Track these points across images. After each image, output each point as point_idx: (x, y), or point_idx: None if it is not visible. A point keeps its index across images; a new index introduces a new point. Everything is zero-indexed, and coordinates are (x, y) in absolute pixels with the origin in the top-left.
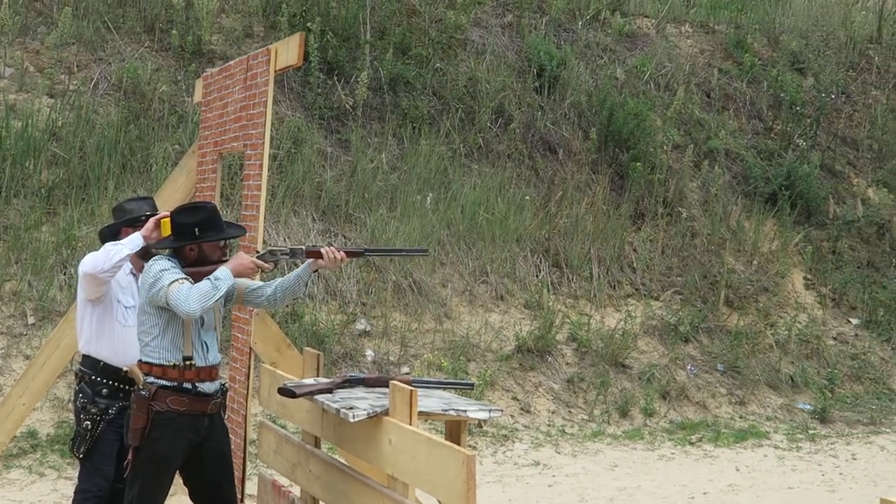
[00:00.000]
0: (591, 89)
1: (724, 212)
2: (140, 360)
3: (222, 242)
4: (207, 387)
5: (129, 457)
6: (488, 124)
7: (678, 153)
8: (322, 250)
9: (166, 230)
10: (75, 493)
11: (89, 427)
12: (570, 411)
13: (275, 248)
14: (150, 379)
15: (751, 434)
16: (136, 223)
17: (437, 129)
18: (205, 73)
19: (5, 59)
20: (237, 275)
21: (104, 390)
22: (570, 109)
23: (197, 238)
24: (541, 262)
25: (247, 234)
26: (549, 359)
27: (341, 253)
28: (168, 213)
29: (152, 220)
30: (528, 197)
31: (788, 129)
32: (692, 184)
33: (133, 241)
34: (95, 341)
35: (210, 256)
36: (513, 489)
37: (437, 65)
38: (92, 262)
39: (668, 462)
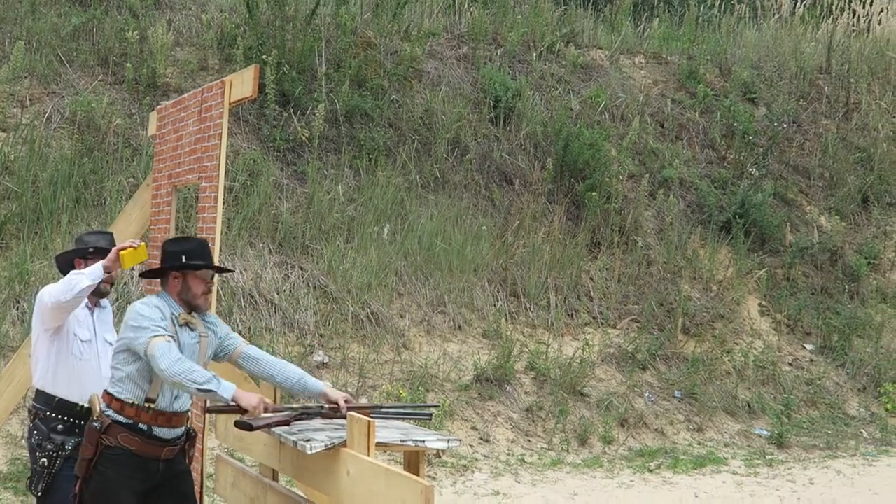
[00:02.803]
0: (546, 120)
1: (679, 240)
2: (105, 391)
3: (209, 277)
4: (164, 432)
5: (76, 488)
6: (444, 155)
7: (633, 182)
8: (342, 406)
9: (128, 262)
10: None
11: (46, 464)
12: (529, 440)
13: (298, 408)
14: (108, 412)
15: (709, 460)
16: (85, 255)
17: (393, 160)
18: (159, 106)
19: None
20: (237, 400)
21: (59, 426)
22: (526, 140)
23: (182, 266)
24: (498, 292)
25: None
26: (508, 388)
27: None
28: (132, 243)
29: (114, 250)
30: (484, 227)
31: (741, 157)
32: (647, 213)
33: (94, 273)
34: (52, 376)
35: (194, 289)
36: None
37: (393, 96)
38: (54, 291)
39: (628, 489)
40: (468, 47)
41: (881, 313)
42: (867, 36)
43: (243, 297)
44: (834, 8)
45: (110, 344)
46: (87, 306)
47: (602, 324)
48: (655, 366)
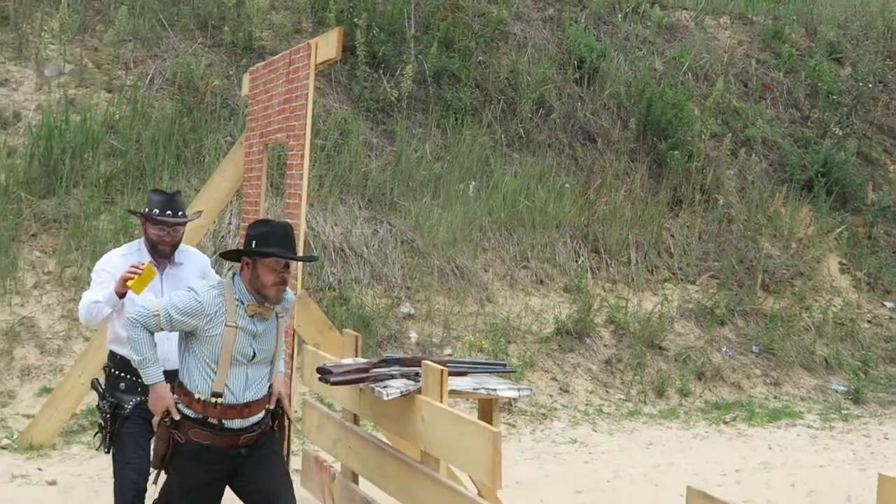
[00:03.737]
0: (630, 80)
1: (760, 198)
2: (177, 380)
3: (280, 266)
4: (237, 424)
5: (154, 480)
6: (529, 115)
7: (716, 142)
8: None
9: (138, 288)
10: (114, 488)
11: (103, 424)
12: (607, 391)
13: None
14: (178, 405)
15: (784, 414)
16: (145, 217)
17: (479, 119)
18: (252, 68)
19: (65, 56)
20: (150, 394)
21: (122, 384)
22: (610, 100)
23: (250, 252)
24: (580, 248)
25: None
26: (588, 341)
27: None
28: (134, 270)
29: (120, 278)
30: (567, 185)
31: (825, 117)
32: (729, 171)
33: (111, 299)
34: (115, 336)
35: (263, 278)
36: (549, 465)
37: (480, 58)
38: (82, 310)
39: (703, 440)
40: (554, 9)
41: None
42: None
43: (334, 251)
44: None
45: None
46: (155, 266)
47: (682, 280)
48: (734, 321)
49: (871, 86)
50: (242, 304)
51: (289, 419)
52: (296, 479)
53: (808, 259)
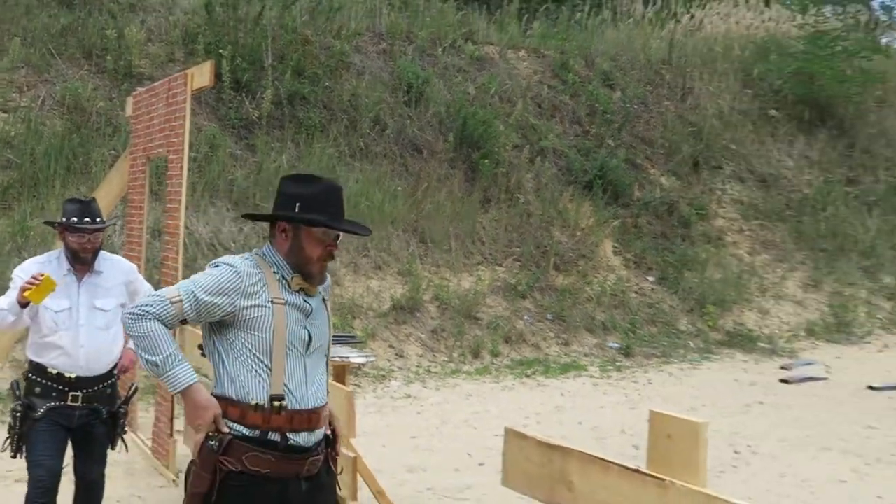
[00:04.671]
0: (448, 102)
1: (552, 197)
2: (216, 394)
3: (331, 237)
4: (304, 438)
5: None
6: (368, 131)
7: (517, 151)
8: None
9: (36, 298)
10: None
11: (16, 425)
12: (434, 355)
13: None
14: (227, 423)
15: (573, 367)
16: (64, 226)
17: (326, 135)
18: (134, 93)
19: None
20: (188, 401)
21: (37, 388)
22: (433, 118)
23: (293, 217)
24: (410, 239)
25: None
26: (418, 314)
27: None
28: (32, 281)
29: (20, 289)
30: (399, 188)
31: (601, 131)
32: (528, 175)
33: (13, 307)
34: (30, 344)
35: (308, 251)
36: (389, 417)
37: (327, 83)
38: None
39: (510, 391)
40: (386, 44)
41: (706, 252)
42: (700, 34)
43: (206, 247)
44: (675, 11)
45: (103, 311)
46: (72, 273)
47: (492, 263)
48: (533, 295)
49: (635, 106)
50: (286, 278)
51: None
52: (179, 439)
53: (589, 244)
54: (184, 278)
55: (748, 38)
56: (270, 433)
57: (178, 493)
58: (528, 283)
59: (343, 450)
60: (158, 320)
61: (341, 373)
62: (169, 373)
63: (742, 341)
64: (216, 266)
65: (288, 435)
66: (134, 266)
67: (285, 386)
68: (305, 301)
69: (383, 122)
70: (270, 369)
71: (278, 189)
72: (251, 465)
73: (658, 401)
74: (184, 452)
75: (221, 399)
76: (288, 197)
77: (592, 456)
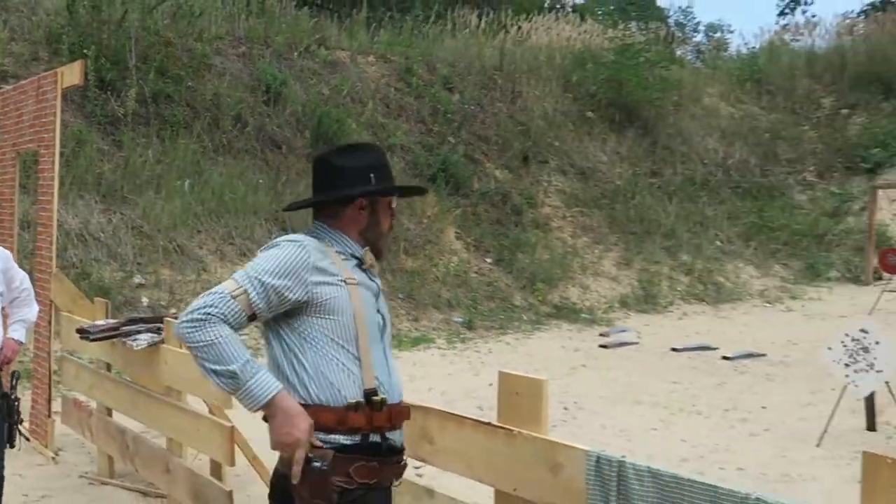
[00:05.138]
0: (305, 102)
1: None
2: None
3: (394, 205)
4: (398, 437)
5: None
6: (230, 128)
7: None
8: None
9: None
10: None
11: None
12: None
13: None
14: (321, 437)
15: (423, 340)
16: None
17: (191, 131)
18: (1, 90)
19: None
20: (276, 413)
21: None
22: (290, 117)
23: (371, 189)
24: (273, 228)
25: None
26: None
27: None
28: None
29: None
30: (261, 181)
31: (443, 130)
32: None
33: None
34: None
35: (384, 225)
36: None
37: (189, 83)
38: None
39: None
40: (245, 47)
41: (535, 236)
42: (527, 44)
43: (76, 237)
44: (505, 24)
45: None
46: None
47: None
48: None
49: (472, 108)
50: (354, 255)
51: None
52: (57, 419)
53: (435, 230)
54: (57, 266)
55: (568, 49)
56: (371, 435)
57: (57, 469)
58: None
59: (220, 420)
60: (224, 322)
61: None
62: (250, 382)
63: (567, 313)
64: (274, 245)
65: (387, 435)
66: (9, 254)
67: (377, 378)
68: (372, 280)
69: (244, 120)
70: (359, 359)
71: (331, 165)
72: (360, 477)
73: (497, 367)
74: (62, 431)
75: (306, 407)
76: (358, 171)
77: (450, 413)
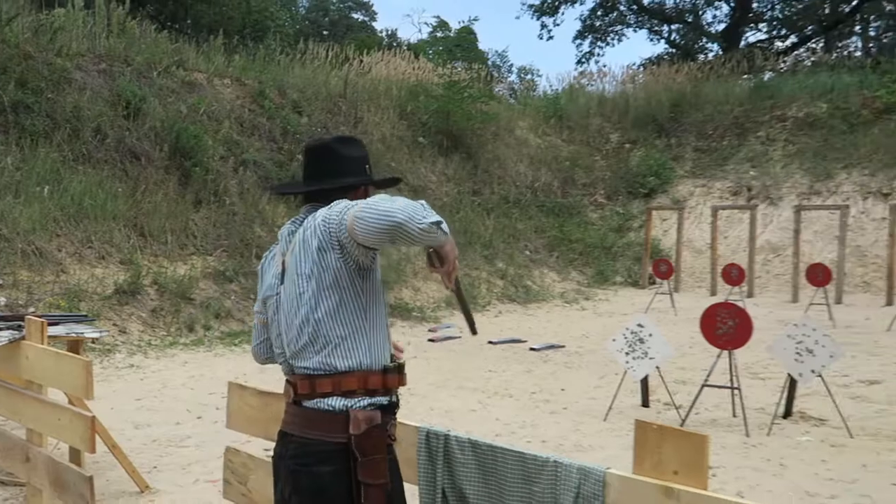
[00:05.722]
0: (163, 118)
1: (253, 200)
2: (314, 375)
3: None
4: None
5: None
6: (90, 139)
7: (224, 162)
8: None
9: None
10: None
11: None
12: (154, 330)
13: None
14: (363, 402)
15: None
16: None
17: (51, 141)
18: None
19: None
20: (451, 258)
21: None
22: (150, 131)
23: (369, 179)
24: (131, 233)
25: None
26: (139, 296)
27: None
28: None
29: None
30: (120, 189)
31: (292, 148)
32: (233, 182)
33: None
34: None
35: None
36: (115, 384)
37: (49, 95)
38: None
39: (221, 357)
40: (106, 64)
41: None
42: (368, 76)
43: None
44: (348, 56)
45: None
46: None
47: (203, 253)
48: (238, 279)
49: (319, 129)
50: None
51: None
52: None
53: None
54: None
55: (403, 82)
56: (394, 395)
57: None
58: (234, 269)
59: (80, 411)
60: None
61: (76, 346)
62: (442, 226)
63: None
64: (341, 205)
65: (396, 394)
66: None
67: (381, 334)
68: None
69: (104, 132)
70: (386, 325)
71: (337, 154)
72: (394, 433)
73: None
74: None
75: (359, 372)
76: (358, 161)
77: None
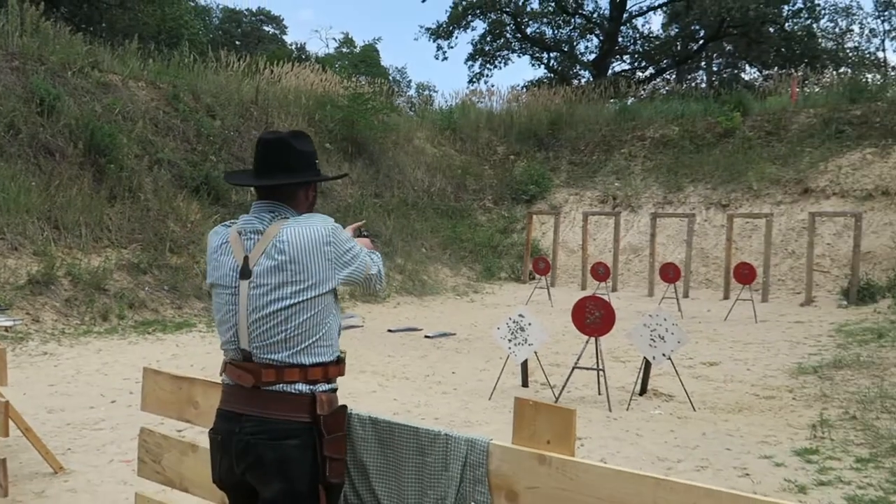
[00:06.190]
0: (78, 116)
1: (167, 196)
2: (300, 364)
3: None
4: None
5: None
6: (2, 133)
7: (139, 160)
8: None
9: None
10: None
11: None
12: (68, 319)
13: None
14: (324, 387)
15: (185, 325)
16: None
17: None
18: None
19: None
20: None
21: None
22: (64, 128)
23: (319, 175)
24: (45, 226)
25: None
26: (53, 287)
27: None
28: None
29: None
30: (34, 183)
31: (206, 149)
32: (148, 179)
33: None
34: None
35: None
36: (28, 371)
37: None
38: None
39: (135, 345)
40: (19, 62)
41: None
42: (279, 85)
43: None
44: (259, 66)
45: None
46: None
47: (118, 246)
48: (152, 272)
49: (231, 133)
50: None
51: None
52: None
53: (197, 233)
54: None
55: (312, 92)
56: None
57: None
58: (148, 262)
59: None
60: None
61: None
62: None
63: None
64: (339, 229)
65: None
66: None
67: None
68: None
69: (17, 128)
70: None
71: (293, 149)
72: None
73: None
74: None
75: (322, 366)
76: (311, 156)
77: (211, 381)
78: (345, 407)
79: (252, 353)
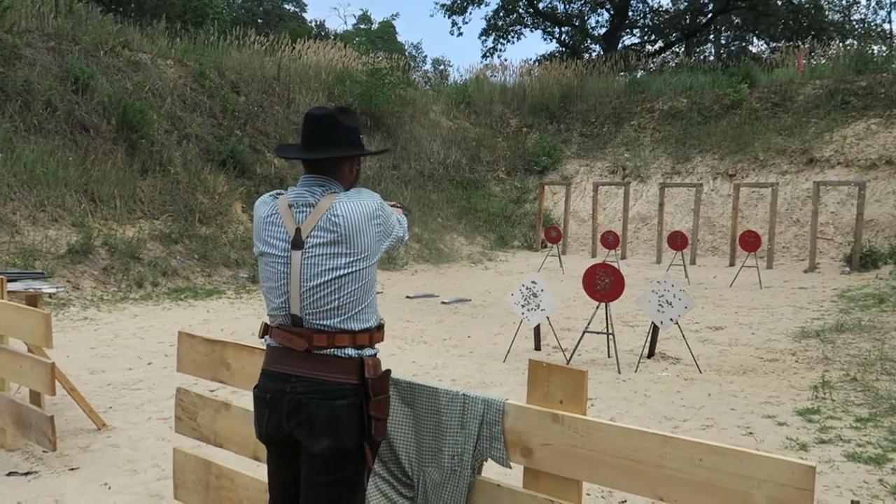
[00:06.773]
0: (111, 94)
1: (196, 170)
2: (350, 330)
3: None
4: None
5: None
6: (41, 111)
7: (168, 135)
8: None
9: None
10: None
11: None
12: (106, 286)
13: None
14: (370, 351)
15: (215, 292)
16: None
17: (2, 112)
18: None
19: None
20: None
21: None
22: (98, 105)
23: (363, 149)
24: (82, 199)
25: None
26: (91, 256)
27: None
28: None
29: None
30: (71, 158)
31: (231, 124)
32: (177, 153)
33: None
34: None
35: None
36: (70, 335)
37: (1, 69)
38: None
39: (168, 311)
40: (55, 42)
41: None
42: (300, 61)
43: None
44: (281, 43)
45: None
46: None
47: (150, 217)
48: (183, 241)
49: (256, 108)
50: None
51: None
52: None
53: (224, 205)
54: None
55: (331, 68)
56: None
57: None
58: (179, 232)
59: (40, 358)
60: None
61: (34, 300)
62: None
63: None
64: (384, 203)
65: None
66: None
67: None
68: None
69: (54, 105)
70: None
71: (341, 124)
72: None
73: None
74: None
75: (368, 331)
76: (356, 131)
77: (242, 345)
78: (389, 371)
79: (303, 319)
